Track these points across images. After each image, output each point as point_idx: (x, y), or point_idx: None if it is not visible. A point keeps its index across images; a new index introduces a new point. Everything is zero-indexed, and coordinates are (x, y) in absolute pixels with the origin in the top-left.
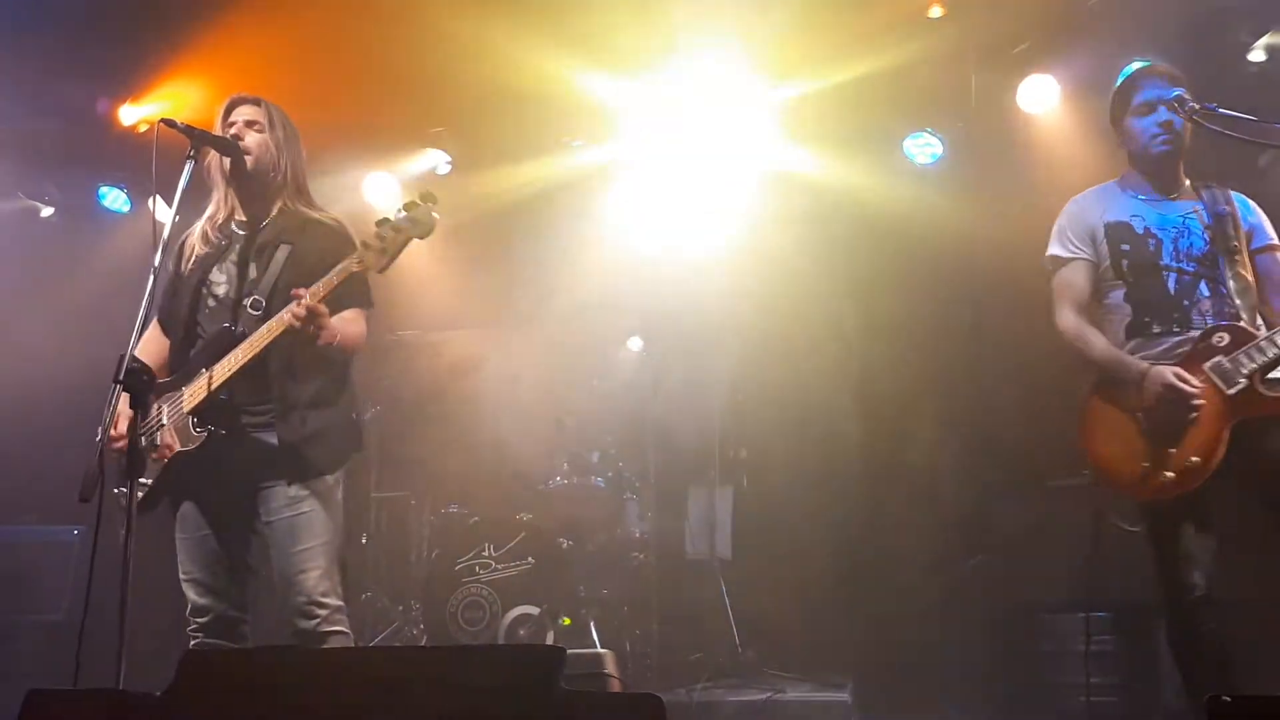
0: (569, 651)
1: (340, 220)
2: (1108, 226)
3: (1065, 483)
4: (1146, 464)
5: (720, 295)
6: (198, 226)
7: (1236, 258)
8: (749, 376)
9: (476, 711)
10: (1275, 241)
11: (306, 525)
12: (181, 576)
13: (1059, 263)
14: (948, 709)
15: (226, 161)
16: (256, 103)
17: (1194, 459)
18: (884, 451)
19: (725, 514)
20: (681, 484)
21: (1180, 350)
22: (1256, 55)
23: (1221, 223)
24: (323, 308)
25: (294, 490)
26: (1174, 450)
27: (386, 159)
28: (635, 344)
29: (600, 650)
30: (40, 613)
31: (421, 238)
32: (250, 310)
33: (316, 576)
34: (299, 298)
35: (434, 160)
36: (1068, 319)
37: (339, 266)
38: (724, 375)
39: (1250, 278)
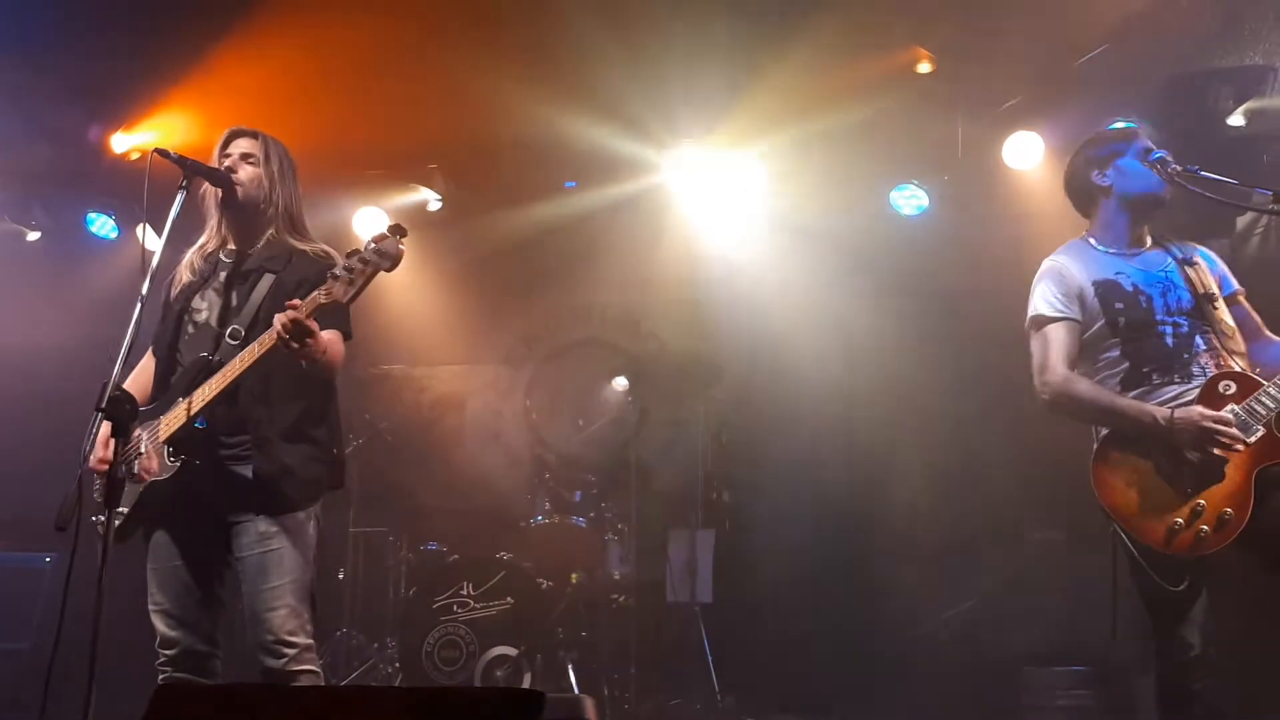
0: (548, 696)
1: (329, 250)
2: (1096, 285)
3: (1045, 535)
4: (1179, 520)
5: (705, 338)
6: (187, 256)
7: (1216, 306)
8: (732, 420)
9: None
10: (1239, 288)
11: (276, 562)
12: (151, 607)
13: (1044, 322)
14: None
15: (219, 192)
16: (254, 135)
17: (1228, 510)
18: (865, 500)
19: (706, 557)
20: (663, 526)
21: (1184, 401)
22: (1236, 120)
23: (1198, 274)
24: (313, 323)
25: (264, 526)
26: (1204, 502)
27: (377, 193)
28: (620, 384)
29: (579, 695)
30: (7, 640)
31: (388, 271)
32: (229, 340)
33: (284, 615)
34: (294, 308)
35: (425, 197)
36: (1058, 372)
37: (309, 298)
38: (709, 419)
39: (1232, 324)
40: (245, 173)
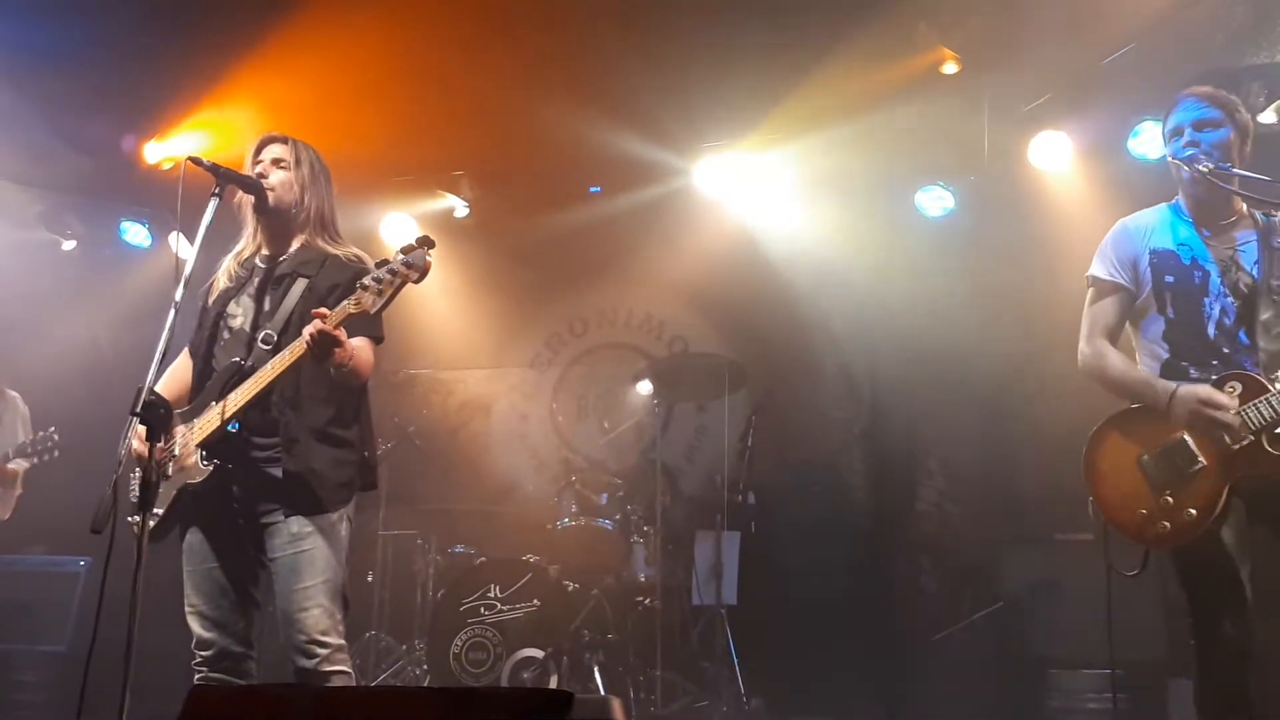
0: (576, 696)
1: (361, 255)
2: (1153, 254)
3: (1074, 536)
4: (1144, 510)
5: (729, 341)
6: (225, 262)
7: (1276, 299)
8: (759, 422)
9: None
10: None
11: (308, 563)
12: (187, 609)
13: (1098, 284)
14: None
15: (249, 199)
16: (285, 141)
17: (1190, 511)
18: (891, 502)
19: (732, 560)
20: (689, 528)
21: None
22: (1267, 117)
23: (1273, 257)
24: (341, 332)
25: (296, 526)
26: (1171, 499)
27: (405, 200)
28: (644, 388)
29: (607, 696)
30: (44, 643)
31: (417, 282)
32: (261, 345)
33: (317, 615)
34: (321, 317)
35: (452, 203)
36: (1095, 345)
37: (338, 308)
38: (734, 421)
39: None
40: (276, 178)
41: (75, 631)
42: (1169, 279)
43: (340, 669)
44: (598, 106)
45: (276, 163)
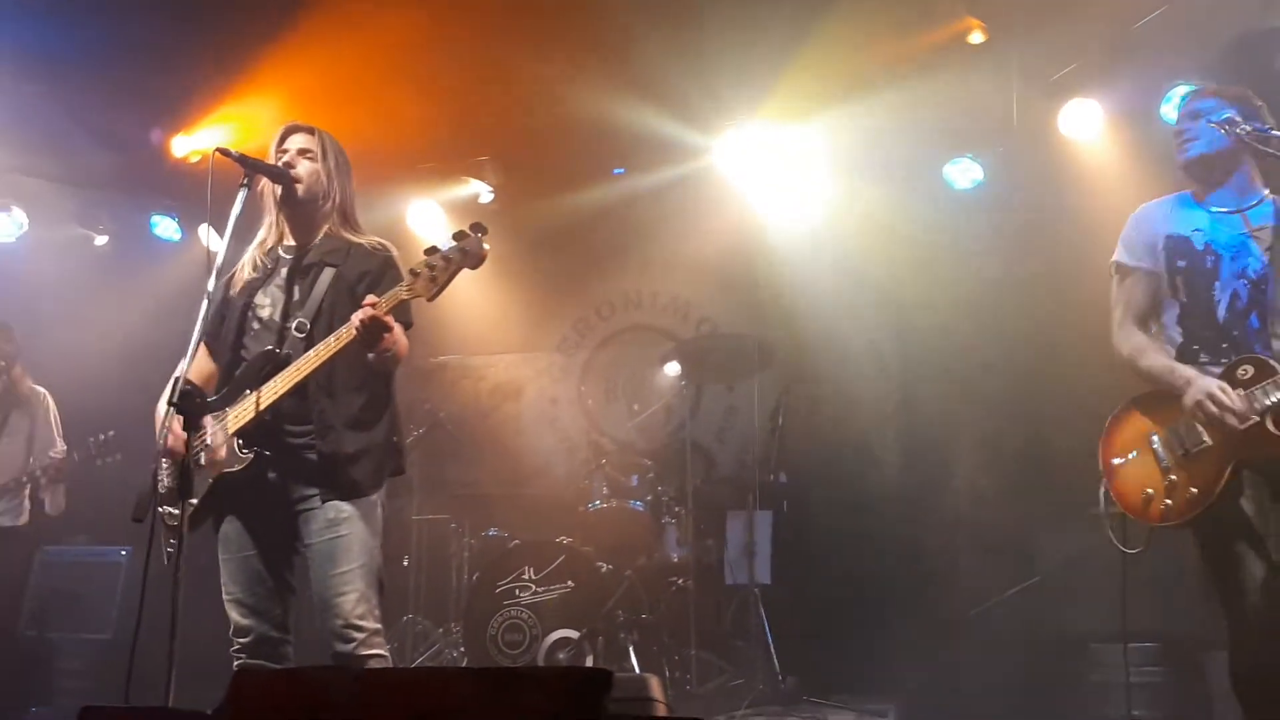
0: (615, 674)
1: (385, 243)
2: (1167, 240)
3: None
4: (1150, 489)
5: (758, 320)
6: (248, 252)
7: None
8: (789, 402)
9: None
10: None
11: (345, 548)
12: (225, 597)
13: (1122, 270)
14: None
15: (278, 189)
16: (310, 131)
17: (1192, 490)
18: (925, 477)
19: (764, 539)
20: (720, 509)
21: None
22: None
23: None
24: (390, 319)
25: (332, 512)
26: (1175, 478)
27: (430, 187)
28: (672, 369)
29: (644, 674)
30: (90, 631)
31: (472, 268)
32: (295, 333)
33: (354, 600)
34: (374, 305)
35: (477, 189)
36: (1126, 333)
37: (388, 294)
38: (764, 401)
39: None
40: (304, 169)
41: (119, 619)
42: (1181, 263)
43: (378, 652)
44: (619, 85)
45: (303, 153)
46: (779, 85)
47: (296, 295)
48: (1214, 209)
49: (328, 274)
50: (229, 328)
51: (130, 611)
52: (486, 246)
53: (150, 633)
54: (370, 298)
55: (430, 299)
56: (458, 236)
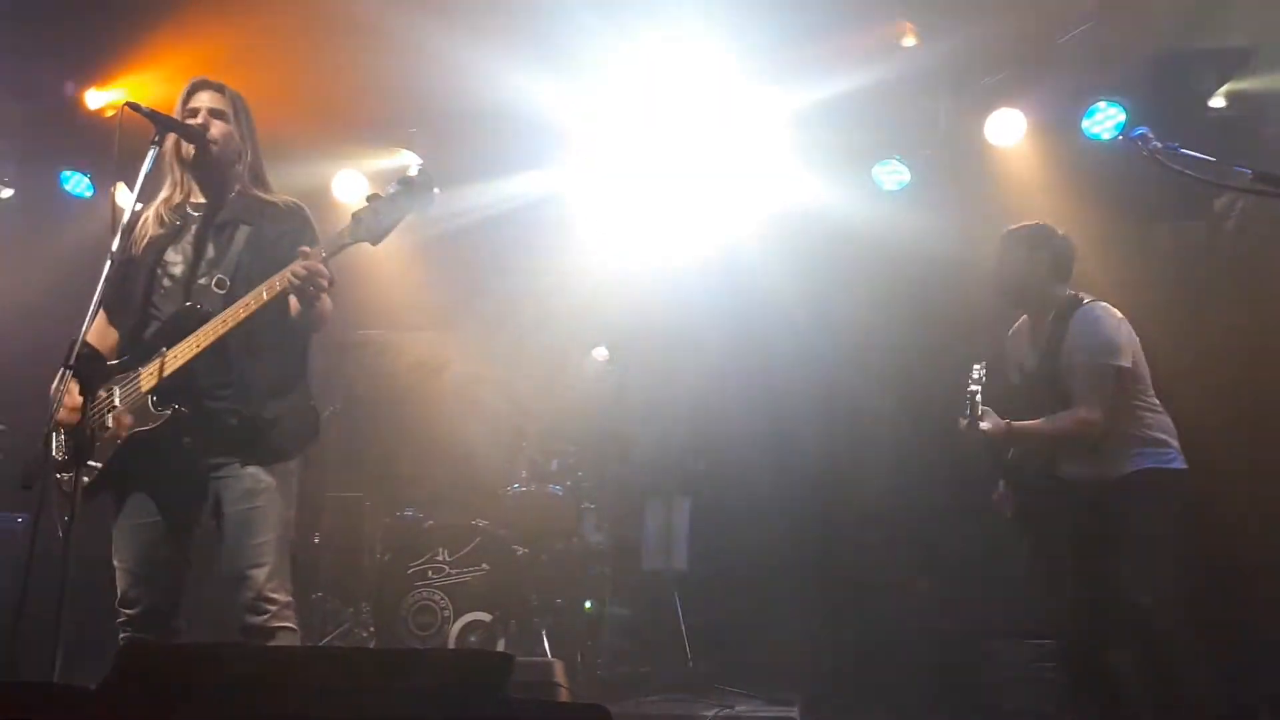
0: (518, 660)
1: (299, 203)
2: None
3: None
4: None
5: (687, 309)
6: (150, 209)
7: None
8: (711, 390)
9: (421, 716)
10: None
11: (261, 519)
12: (115, 562)
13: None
14: None
15: (189, 148)
16: (220, 90)
17: None
18: (841, 471)
19: (682, 526)
20: (640, 495)
21: None
22: (1217, 101)
23: None
24: (327, 269)
25: (249, 481)
26: None
27: (356, 157)
28: (600, 354)
29: (550, 659)
30: None
31: (421, 211)
32: (215, 289)
33: (268, 572)
34: (305, 255)
35: (406, 160)
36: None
37: (328, 240)
38: (686, 388)
39: None
40: (218, 129)
41: (10, 590)
42: None
43: (288, 625)
44: (553, 70)
45: (214, 113)
46: (711, 78)
47: (211, 253)
48: None
49: (244, 230)
50: (134, 287)
51: (20, 582)
52: (436, 190)
53: (44, 604)
54: (304, 249)
55: (375, 243)
56: (403, 181)
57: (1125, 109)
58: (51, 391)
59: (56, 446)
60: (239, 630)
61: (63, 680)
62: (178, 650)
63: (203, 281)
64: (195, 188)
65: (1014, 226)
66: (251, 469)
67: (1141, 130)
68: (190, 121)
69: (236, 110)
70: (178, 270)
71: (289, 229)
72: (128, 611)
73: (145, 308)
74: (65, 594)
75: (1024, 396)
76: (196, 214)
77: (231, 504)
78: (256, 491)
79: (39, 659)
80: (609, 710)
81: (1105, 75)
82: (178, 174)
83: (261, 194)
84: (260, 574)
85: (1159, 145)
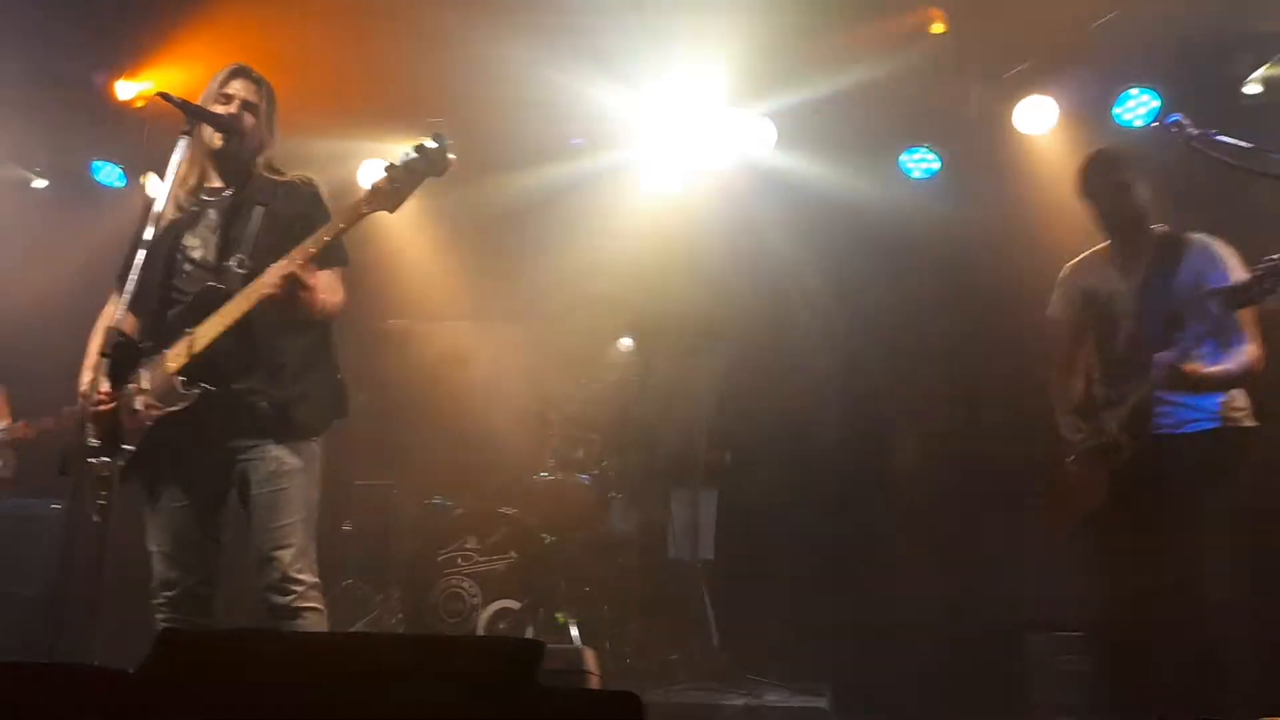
0: (548, 646)
1: (312, 178)
2: None
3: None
4: None
5: (713, 299)
6: (168, 192)
7: None
8: (738, 381)
9: (452, 702)
10: None
11: (286, 501)
12: (150, 548)
13: None
14: None
15: (216, 136)
16: (258, 82)
17: None
18: (870, 463)
19: (709, 516)
20: (666, 484)
21: None
22: (1252, 88)
23: None
24: (302, 273)
25: (274, 464)
26: None
27: (383, 146)
28: (625, 343)
29: (580, 646)
30: (16, 587)
31: (437, 175)
32: (236, 269)
33: (293, 554)
34: (286, 261)
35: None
36: None
37: (347, 209)
38: (712, 379)
39: None
40: (249, 122)
41: (46, 575)
42: None
43: (314, 606)
44: (579, 57)
45: (247, 106)
46: (738, 67)
47: (230, 234)
48: None
49: (259, 212)
50: (155, 270)
51: (61, 567)
52: (452, 156)
53: (80, 587)
54: (279, 263)
55: (392, 210)
56: (417, 148)
57: (1158, 95)
58: (83, 379)
59: (89, 432)
60: (265, 611)
61: (101, 664)
62: (215, 636)
63: (224, 263)
64: (213, 173)
65: (1105, 148)
66: (277, 450)
67: (1176, 117)
68: (221, 107)
69: (268, 104)
70: (197, 254)
71: (302, 211)
72: (166, 594)
73: (166, 291)
74: (102, 576)
75: (1104, 325)
76: (212, 199)
77: (258, 486)
78: (282, 473)
79: (78, 643)
80: (639, 697)
81: (1137, 62)
82: (198, 158)
83: (274, 176)
84: (286, 555)
85: (1195, 132)
